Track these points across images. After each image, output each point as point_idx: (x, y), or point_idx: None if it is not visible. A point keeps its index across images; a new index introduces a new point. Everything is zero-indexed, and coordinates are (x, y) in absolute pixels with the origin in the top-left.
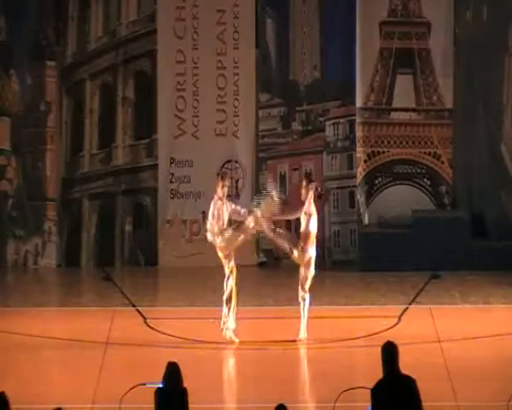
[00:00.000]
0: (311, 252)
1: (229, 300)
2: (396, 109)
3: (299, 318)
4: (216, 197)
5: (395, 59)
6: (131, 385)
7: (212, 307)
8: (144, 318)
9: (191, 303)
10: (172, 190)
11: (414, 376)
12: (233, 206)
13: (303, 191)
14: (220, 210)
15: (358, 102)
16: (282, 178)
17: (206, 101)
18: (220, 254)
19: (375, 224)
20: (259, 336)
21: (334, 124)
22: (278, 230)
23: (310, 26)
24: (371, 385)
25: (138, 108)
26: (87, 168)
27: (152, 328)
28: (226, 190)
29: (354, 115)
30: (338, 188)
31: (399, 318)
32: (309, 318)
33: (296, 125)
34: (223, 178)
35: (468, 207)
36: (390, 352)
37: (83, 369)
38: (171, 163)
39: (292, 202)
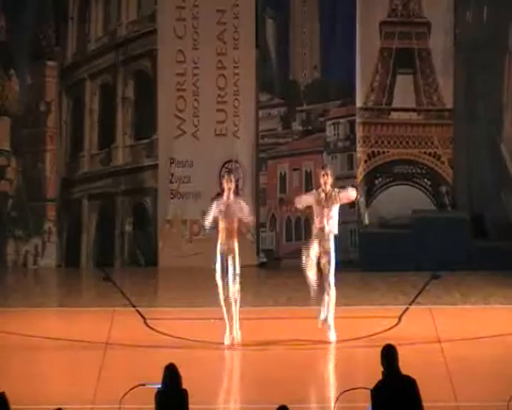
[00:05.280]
0: None
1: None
2: (396, 109)
3: (300, 318)
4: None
5: (395, 59)
6: (131, 386)
7: (213, 307)
8: (144, 318)
9: (191, 303)
10: (172, 190)
11: (414, 376)
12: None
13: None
14: None
15: (358, 102)
16: (283, 178)
17: (206, 101)
18: None
19: (375, 224)
20: (259, 336)
21: (334, 124)
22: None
23: (310, 26)
24: (371, 385)
25: (138, 108)
26: (87, 168)
27: (152, 328)
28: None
29: (354, 115)
30: (338, 188)
31: (399, 318)
32: (309, 318)
33: (296, 125)
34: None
35: (468, 207)
36: (389, 354)
37: (83, 369)
38: (171, 163)
39: (291, 202)
